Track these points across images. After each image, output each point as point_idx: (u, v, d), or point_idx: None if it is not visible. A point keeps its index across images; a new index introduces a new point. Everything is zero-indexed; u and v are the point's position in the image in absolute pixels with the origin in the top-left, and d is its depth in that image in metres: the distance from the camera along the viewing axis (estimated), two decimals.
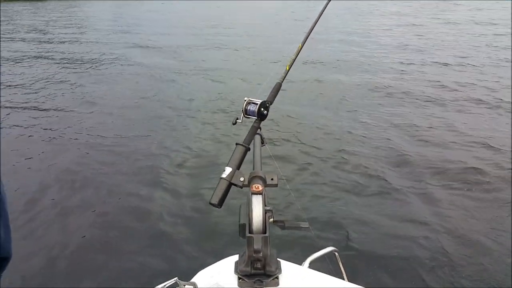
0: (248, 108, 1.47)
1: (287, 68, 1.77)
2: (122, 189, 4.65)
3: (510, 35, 15.30)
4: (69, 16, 33.64)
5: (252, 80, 9.00)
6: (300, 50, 1.87)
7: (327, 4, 2.21)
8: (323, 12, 2.13)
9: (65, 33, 19.90)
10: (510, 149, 5.29)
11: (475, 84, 8.47)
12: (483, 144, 5.51)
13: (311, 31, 2.00)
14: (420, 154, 5.22)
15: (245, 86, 8.72)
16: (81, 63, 11.96)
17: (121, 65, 11.34)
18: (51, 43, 16.54)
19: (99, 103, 7.87)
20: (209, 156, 5.37)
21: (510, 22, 17.18)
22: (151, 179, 4.82)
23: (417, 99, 7.51)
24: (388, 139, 5.71)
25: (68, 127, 6.61)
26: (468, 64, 10.43)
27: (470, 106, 7.11)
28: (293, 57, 1.82)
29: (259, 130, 1.48)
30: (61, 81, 9.68)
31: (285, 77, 1.74)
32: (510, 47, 12.41)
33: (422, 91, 7.95)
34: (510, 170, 4.76)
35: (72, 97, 8.38)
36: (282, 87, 1.68)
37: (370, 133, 5.94)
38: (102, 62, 11.97)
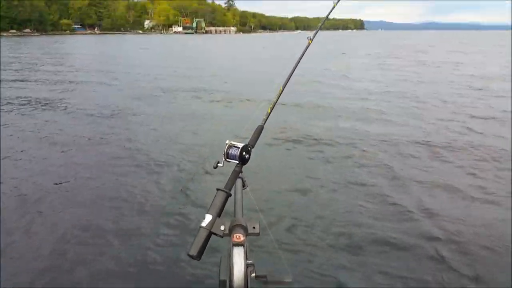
0: (230, 151, 1.45)
1: (269, 111, 1.78)
2: (94, 243, 4.36)
3: (484, 78, 15.93)
4: (52, 53, 33.55)
5: (233, 123, 8.74)
6: (281, 92, 1.90)
7: (306, 48, 2.28)
8: (303, 56, 2.22)
9: (47, 71, 19.77)
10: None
11: (454, 124, 8.70)
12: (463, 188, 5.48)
13: (292, 74, 2.05)
14: (406, 199, 5.12)
15: (226, 128, 8.44)
16: (57, 103, 11.74)
17: (98, 108, 11.02)
18: (31, 82, 16.33)
19: (75, 145, 7.58)
20: (189, 202, 5.07)
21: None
22: (128, 227, 4.55)
23: (399, 142, 7.52)
24: (373, 185, 5.60)
25: (39, 171, 6.30)
26: (445, 102, 10.76)
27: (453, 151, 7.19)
28: (275, 99, 1.84)
29: (240, 173, 1.45)
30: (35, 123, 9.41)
31: (267, 120, 1.74)
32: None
33: (405, 135, 8.00)
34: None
35: (40, 138, 8.10)
36: (264, 130, 1.67)
37: (355, 179, 5.82)
38: (83, 106, 11.74)
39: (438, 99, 11.54)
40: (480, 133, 8.01)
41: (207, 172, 5.89)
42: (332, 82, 15.44)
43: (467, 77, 16.68)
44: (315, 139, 7.64)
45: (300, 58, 2.21)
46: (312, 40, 2.39)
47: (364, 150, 6.99)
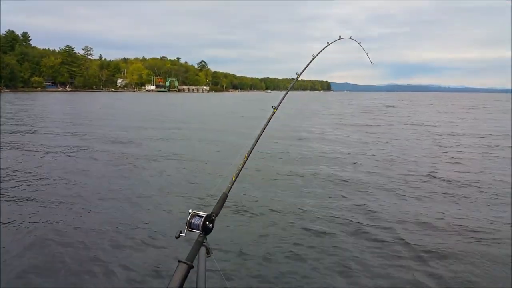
0: (193, 221, 1.42)
1: (233, 178, 1.77)
2: None
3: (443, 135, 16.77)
4: (22, 110, 33.01)
5: (197, 189, 8.32)
6: (246, 160, 1.92)
7: (271, 116, 2.34)
8: (268, 123, 2.27)
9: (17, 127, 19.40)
10: None
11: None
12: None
13: (257, 141, 2.09)
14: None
15: (189, 195, 7.93)
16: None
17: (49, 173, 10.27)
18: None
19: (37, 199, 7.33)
20: (147, 278, 4.59)
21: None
22: None
23: (370, 187, 7.61)
24: (341, 251, 5.35)
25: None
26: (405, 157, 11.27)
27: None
28: (239, 167, 1.84)
29: (205, 240, 1.43)
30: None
31: (231, 188, 1.72)
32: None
33: (374, 180, 8.14)
34: None
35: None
36: (229, 198, 1.67)
37: (323, 246, 5.51)
38: (45, 160, 11.45)
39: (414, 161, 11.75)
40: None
41: (169, 241, 5.50)
42: (304, 143, 15.65)
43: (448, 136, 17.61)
44: (284, 207, 7.24)
45: (265, 127, 2.23)
46: (276, 109, 2.42)
47: (330, 215, 6.77)
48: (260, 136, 2.13)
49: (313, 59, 3.13)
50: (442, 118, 29.95)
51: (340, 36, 3.48)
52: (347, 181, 9.11)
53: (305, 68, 3.11)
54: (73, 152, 12.91)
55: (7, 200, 7.48)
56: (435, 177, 9.54)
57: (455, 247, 5.43)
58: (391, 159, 12.00)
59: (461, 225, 6.30)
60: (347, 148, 14.26)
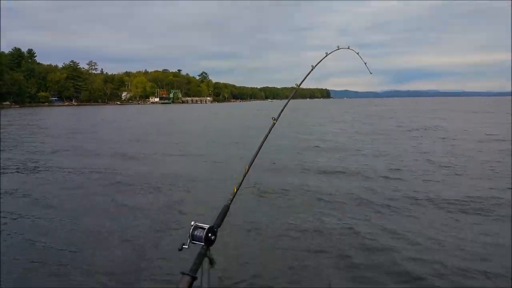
0: (195, 233, 1.43)
1: (235, 190, 1.78)
2: None
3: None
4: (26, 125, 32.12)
5: (199, 203, 7.86)
6: (247, 172, 1.92)
7: (271, 128, 2.32)
8: (268, 135, 2.26)
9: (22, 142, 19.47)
10: None
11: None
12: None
13: (257, 153, 2.08)
14: None
15: (192, 208, 7.52)
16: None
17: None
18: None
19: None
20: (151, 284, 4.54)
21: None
22: None
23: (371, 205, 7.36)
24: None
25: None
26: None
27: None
28: (241, 179, 1.86)
29: (208, 252, 1.44)
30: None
31: (233, 199, 1.72)
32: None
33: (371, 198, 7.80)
34: None
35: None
36: (232, 209, 1.68)
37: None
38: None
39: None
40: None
41: (172, 253, 5.26)
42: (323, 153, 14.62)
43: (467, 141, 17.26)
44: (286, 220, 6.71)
45: (265, 139, 2.18)
46: (276, 120, 2.37)
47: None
48: (260, 148, 2.11)
49: (311, 70, 3.13)
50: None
51: (338, 46, 3.41)
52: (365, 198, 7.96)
53: (304, 79, 3.12)
54: (92, 171, 11.42)
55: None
56: None
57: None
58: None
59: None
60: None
